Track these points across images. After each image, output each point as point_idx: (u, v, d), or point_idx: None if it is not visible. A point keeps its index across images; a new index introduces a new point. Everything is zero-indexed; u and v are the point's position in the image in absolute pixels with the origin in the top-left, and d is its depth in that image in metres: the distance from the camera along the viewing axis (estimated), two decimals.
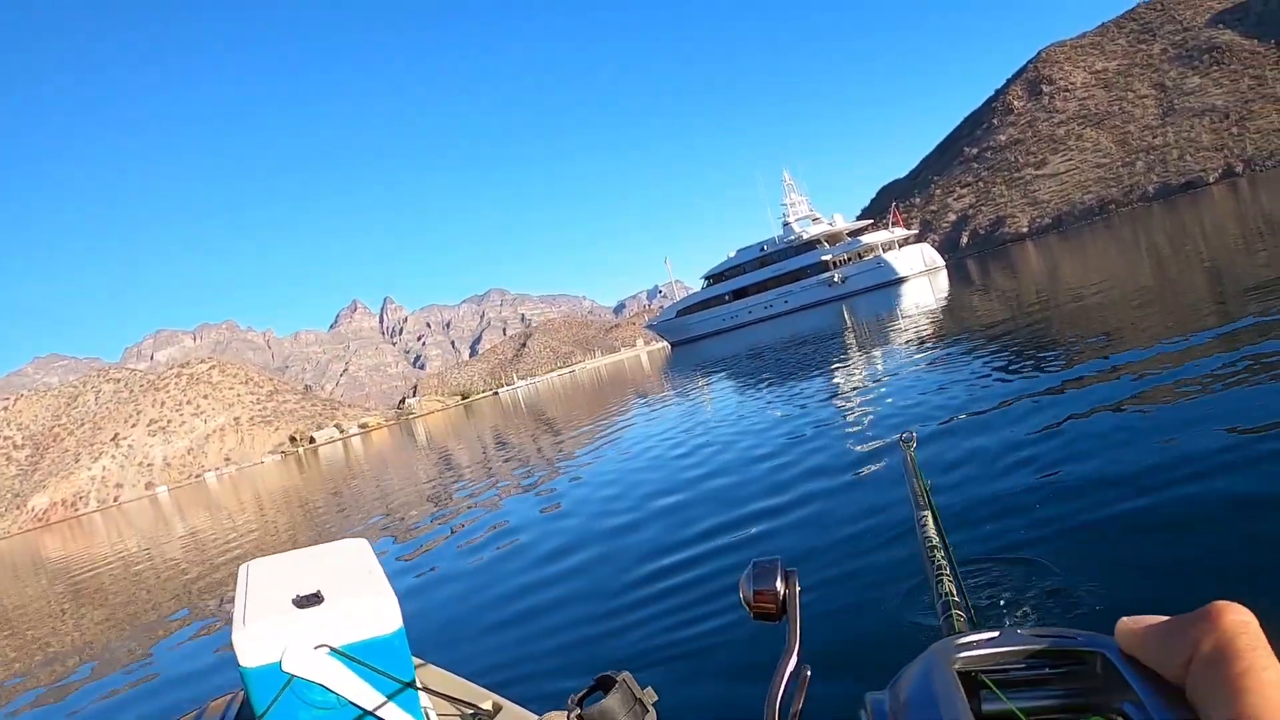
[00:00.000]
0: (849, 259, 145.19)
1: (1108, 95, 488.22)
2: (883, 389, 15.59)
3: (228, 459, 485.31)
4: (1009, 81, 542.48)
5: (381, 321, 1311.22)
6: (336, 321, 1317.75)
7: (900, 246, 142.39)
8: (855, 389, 16.56)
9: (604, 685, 1.97)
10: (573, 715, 1.91)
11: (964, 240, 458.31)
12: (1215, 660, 0.65)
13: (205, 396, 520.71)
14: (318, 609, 2.35)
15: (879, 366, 19.43)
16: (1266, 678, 0.61)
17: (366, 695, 2.31)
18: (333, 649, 2.30)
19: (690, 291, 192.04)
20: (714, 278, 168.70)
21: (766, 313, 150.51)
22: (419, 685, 2.44)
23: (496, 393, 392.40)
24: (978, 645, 0.83)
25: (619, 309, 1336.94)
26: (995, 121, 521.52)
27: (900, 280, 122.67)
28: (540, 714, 2.69)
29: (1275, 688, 0.60)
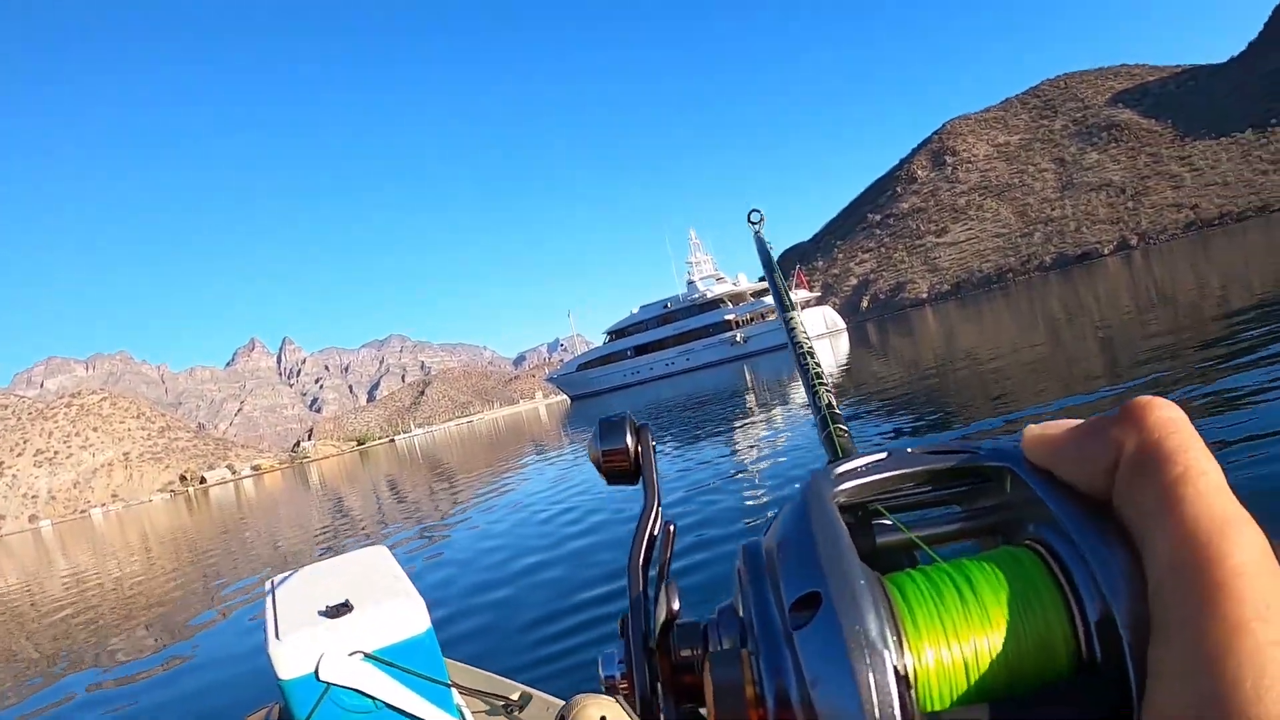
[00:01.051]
0: (751, 319, 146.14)
1: (1009, 168, 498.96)
2: (780, 447, 15.63)
3: (115, 495, 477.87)
4: (914, 151, 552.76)
5: (279, 362, 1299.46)
6: (234, 359, 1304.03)
7: (802, 308, 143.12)
8: (753, 446, 16.59)
9: None
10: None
11: (864, 304, 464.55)
12: (1144, 466, 0.53)
13: (95, 429, 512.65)
14: (348, 617, 2.36)
15: (779, 425, 19.47)
16: (1206, 483, 0.50)
17: (402, 696, 2.31)
18: (366, 654, 2.31)
19: (592, 346, 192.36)
20: (616, 333, 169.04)
21: (667, 370, 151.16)
22: (451, 683, 2.44)
23: (393, 440, 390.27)
24: (863, 471, 0.69)
25: (519, 361, 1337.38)
26: (899, 189, 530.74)
27: None
28: (567, 699, 2.64)
29: (1217, 493, 0.50)
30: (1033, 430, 0.64)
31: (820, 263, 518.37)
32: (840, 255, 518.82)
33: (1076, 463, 0.59)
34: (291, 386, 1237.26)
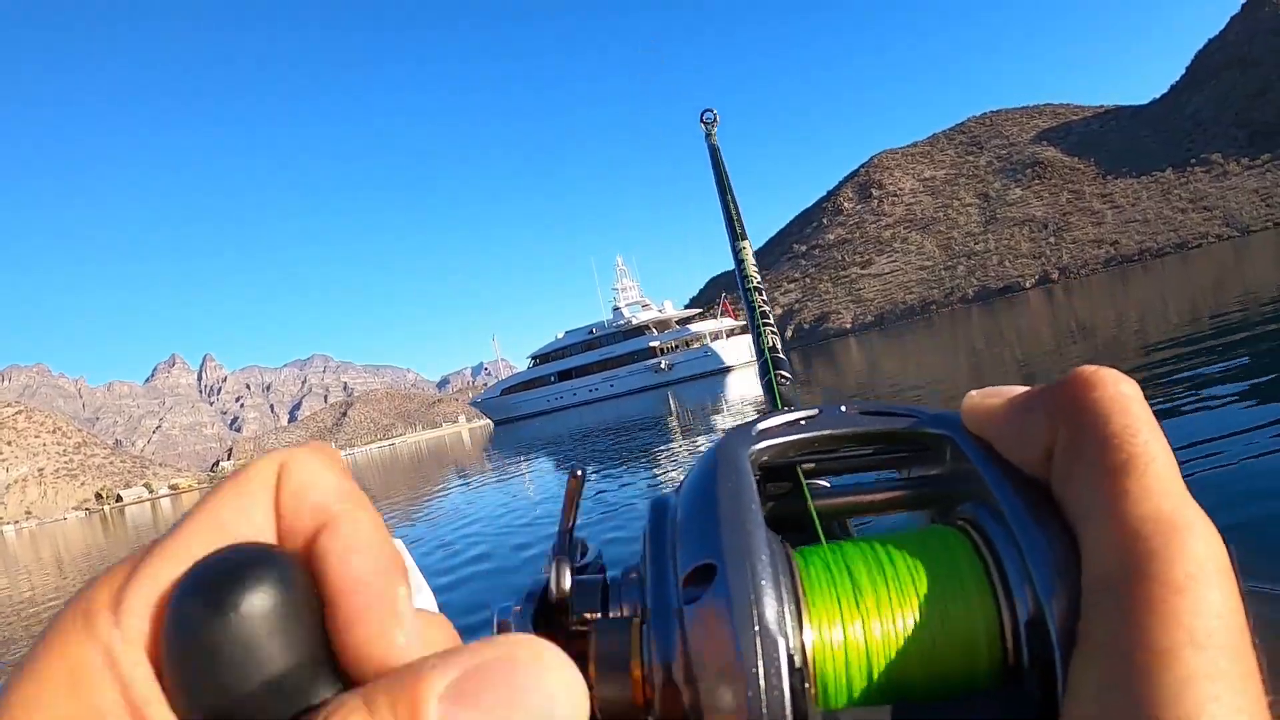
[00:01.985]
0: (676, 346, 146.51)
1: (934, 201, 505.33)
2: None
3: (29, 512, 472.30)
4: (840, 183, 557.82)
5: (200, 379, 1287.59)
6: (153, 375, 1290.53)
7: (728, 336, 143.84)
8: (678, 471, 16.52)
9: None
10: None
11: (789, 334, 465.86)
12: (1083, 449, 0.47)
13: (9, 443, 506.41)
14: None
15: (701, 450, 19.43)
16: (1153, 475, 0.44)
17: None
18: None
19: (516, 371, 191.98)
20: (540, 358, 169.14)
21: (591, 396, 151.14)
22: None
23: None
24: (788, 429, 0.63)
25: (443, 384, 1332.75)
26: (825, 221, 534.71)
27: (726, 369, 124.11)
28: None
29: (1164, 488, 0.44)
30: (974, 397, 0.58)
31: None
32: (765, 285, 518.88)
33: (1013, 438, 0.53)
34: (212, 405, 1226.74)
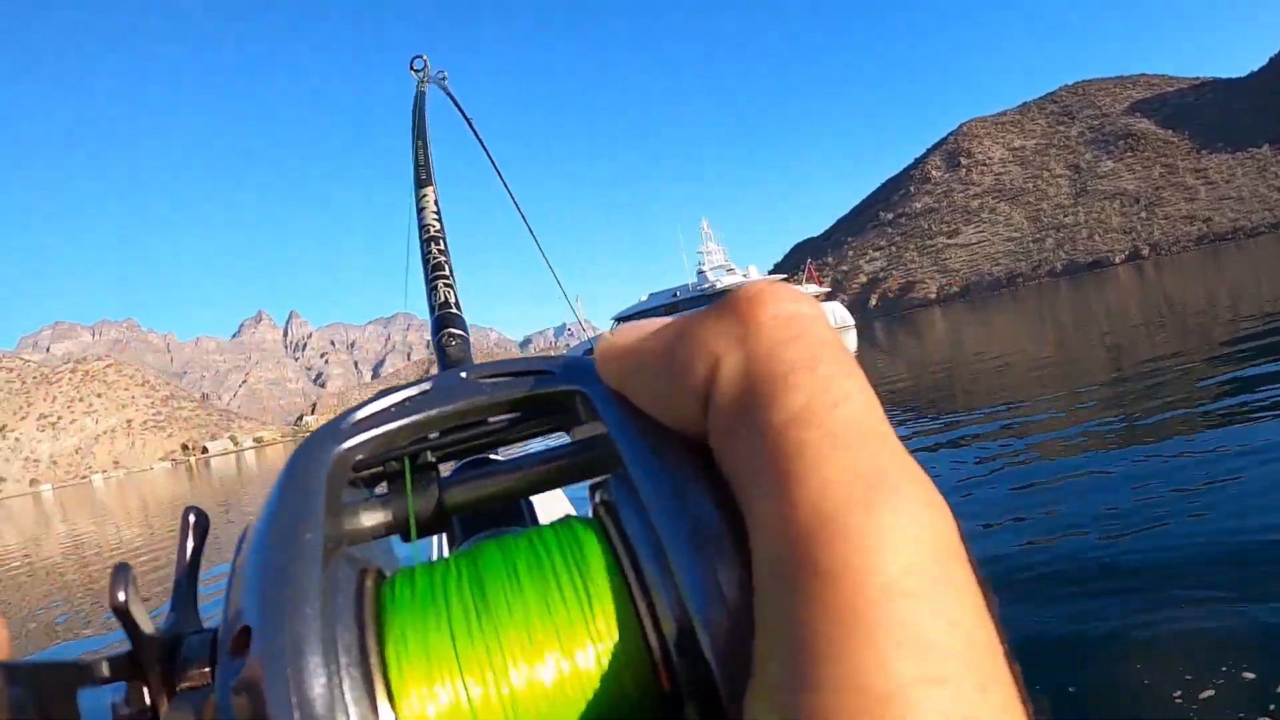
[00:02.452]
0: None
1: (1023, 172, 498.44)
2: None
3: (117, 462, 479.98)
4: (929, 151, 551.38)
5: (285, 335, 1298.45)
6: (240, 331, 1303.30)
7: None
8: None
9: None
10: None
11: (873, 302, 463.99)
12: (746, 398, 0.33)
13: (99, 395, 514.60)
14: None
15: None
16: (839, 423, 0.31)
17: None
18: None
19: (598, 332, 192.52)
20: (623, 319, 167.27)
21: None
22: None
23: None
24: (393, 413, 0.48)
25: (525, 343, 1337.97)
26: (912, 189, 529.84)
27: None
28: None
29: (856, 439, 0.30)
30: (608, 338, 0.44)
31: (830, 258, 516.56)
32: (850, 252, 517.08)
33: (655, 387, 0.39)
34: (297, 361, 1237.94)
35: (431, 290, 1.30)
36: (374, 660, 0.34)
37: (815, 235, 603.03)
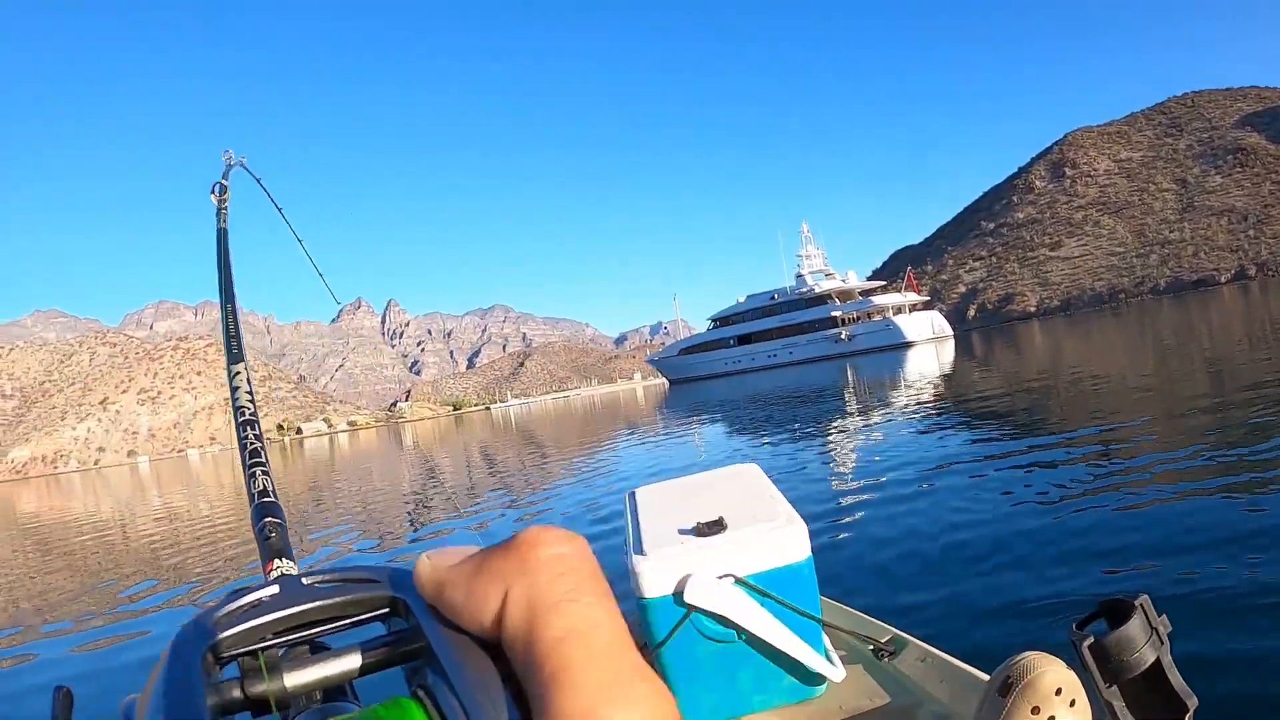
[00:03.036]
0: (858, 317, 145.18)
1: (1129, 185, 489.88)
2: (876, 449, 15.50)
3: (213, 438, 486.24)
4: (1033, 160, 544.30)
5: (383, 322, 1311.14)
6: (339, 316, 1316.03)
7: (910, 311, 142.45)
8: (849, 446, 16.47)
9: (1113, 611, 1.76)
10: (1084, 646, 1.75)
11: (971, 313, 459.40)
12: (527, 620, 0.46)
13: (199, 373, 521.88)
14: (720, 536, 2.18)
15: (875, 434, 19.29)
16: (592, 645, 0.44)
17: (771, 628, 2.14)
18: (737, 579, 2.15)
19: (694, 332, 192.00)
20: (720, 320, 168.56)
21: (769, 362, 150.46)
22: (822, 619, 2.26)
23: (489, 408, 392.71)
24: (250, 612, 0.57)
25: (620, 340, 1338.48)
26: (1015, 199, 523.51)
27: (907, 345, 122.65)
28: (946, 650, 2.48)
29: (601, 658, 0.43)
30: (425, 563, 0.55)
31: (930, 266, 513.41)
32: (950, 261, 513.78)
33: (464, 607, 0.50)
34: (393, 347, 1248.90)
35: (251, 478, 1.31)
36: None
37: (915, 243, 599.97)
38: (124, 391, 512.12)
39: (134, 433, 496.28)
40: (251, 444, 1.44)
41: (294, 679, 0.58)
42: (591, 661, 0.42)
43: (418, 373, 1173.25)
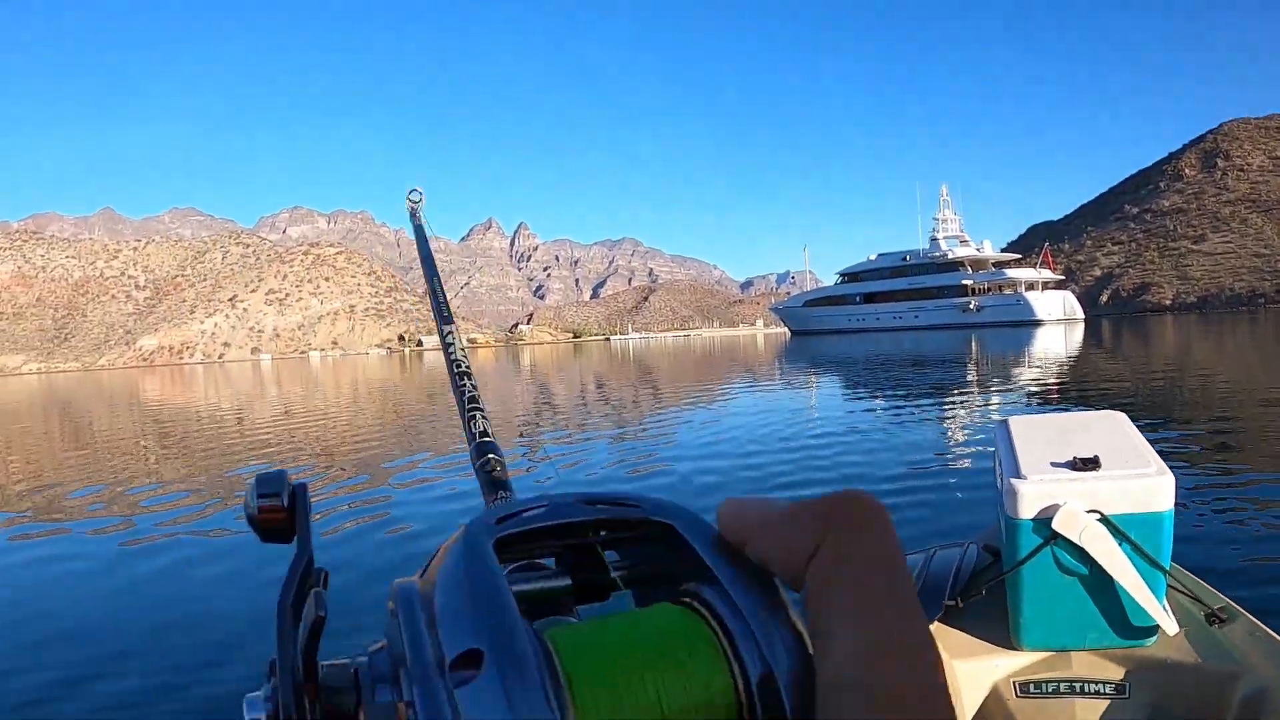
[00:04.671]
0: (989, 289, 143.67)
1: None
2: (984, 426, 15.21)
3: (335, 343, 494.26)
4: (1185, 147, 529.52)
5: (512, 245, 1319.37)
6: (469, 235, 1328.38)
7: (1043, 289, 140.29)
8: (961, 421, 16.19)
9: None
10: None
11: (1104, 298, 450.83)
12: (839, 564, 0.54)
13: (327, 279, 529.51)
14: (1095, 474, 2.25)
15: (992, 404, 18.96)
16: (897, 595, 0.53)
17: (1123, 571, 2.20)
18: (1103, 516, 2.20)
19: (822, 284, 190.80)
20: (849, 276, 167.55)
21: (894, 323, 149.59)
22: (1169, 572, 2.31)
23: (609, 338, 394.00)
24: (524, 519, 0.67)
25: (746, 285, 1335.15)
26: (1162, 185, 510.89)
27: (1036, 323, 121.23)
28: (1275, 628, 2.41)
29: (902, 608, 0.52)
30: (730, 507, 0.64)
31: (1066, 245, 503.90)
32: (1089, 242, 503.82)
33: (775, 547, 0.58)
34: (520, 270, 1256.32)
35: (470, 420, 1.42)
36: (561, 678, 0.51)
37: (1054, 219, 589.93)
38: (253, 291, 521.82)
39: (259, 331, 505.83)
40: (469, 391, 1.55)
41: (555, 583, 0.70)
42: (889, 611, 0.50)
43: (541, 297, 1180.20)
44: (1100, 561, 2.19)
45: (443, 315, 2.01)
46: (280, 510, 0.64)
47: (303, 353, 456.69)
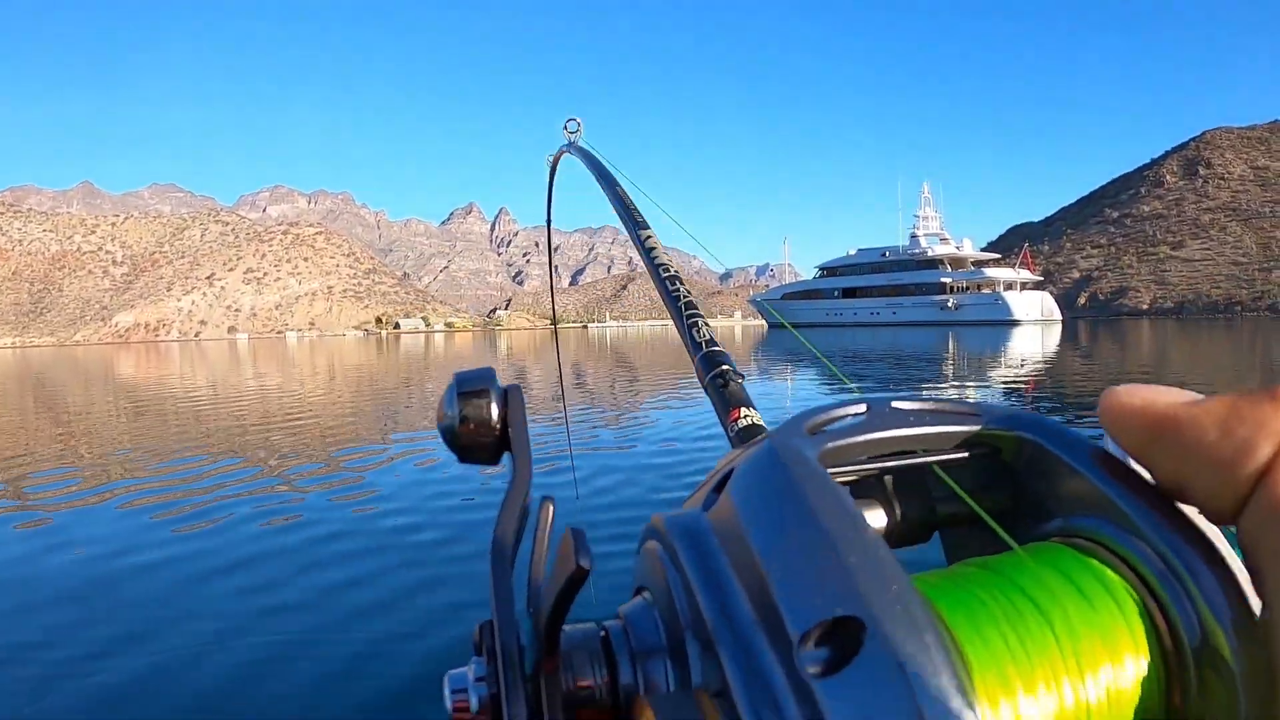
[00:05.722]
0: (968, 287, 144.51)
1: (1263, 194, 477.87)
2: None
3: (312, 324, 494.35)
4: (1167, 154, 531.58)
5: (492, 230, 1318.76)
6: (449, 218, 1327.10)
7: (1021, 289, 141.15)
8: None
9: None
10: None
11: (1082, 300, 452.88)
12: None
13: (305, 259, 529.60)
14: None
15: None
16: None
17: None
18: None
19: (801, 277, 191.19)
20: (828, 270, 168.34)
21: (871, 318, 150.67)
22: None
23: (586, 326, 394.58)
24: (846, 429, 0.48)
25: (726, 276, 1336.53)
26: (1143, 190, 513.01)
27: (1013, 322, 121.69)
28: None
29: None
30: (1121, 395, 0.43)
31: (1046, 247, 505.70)
32: (1068, 244, 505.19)
33: (1209, 452, 0.38)
34: (499, 255, 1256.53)
35: (692, 328, 1.29)
36: (956, 653, 0.33)
37: (1034, 220, 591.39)
38: (231, 269, 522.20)
39: (236, 310, 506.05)
40: (685, 297, 1.38)
41: (941, 507, 0.52)
42: None
43: (520, 283, 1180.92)
44: None
45: (636, 223, 1.79)
46: (489, 421, 0.53)
47: (279, 332, 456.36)
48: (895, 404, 0.50)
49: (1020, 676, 0.35)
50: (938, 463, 0.50)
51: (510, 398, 0.54)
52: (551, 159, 2.41)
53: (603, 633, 0.44)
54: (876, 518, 0.51)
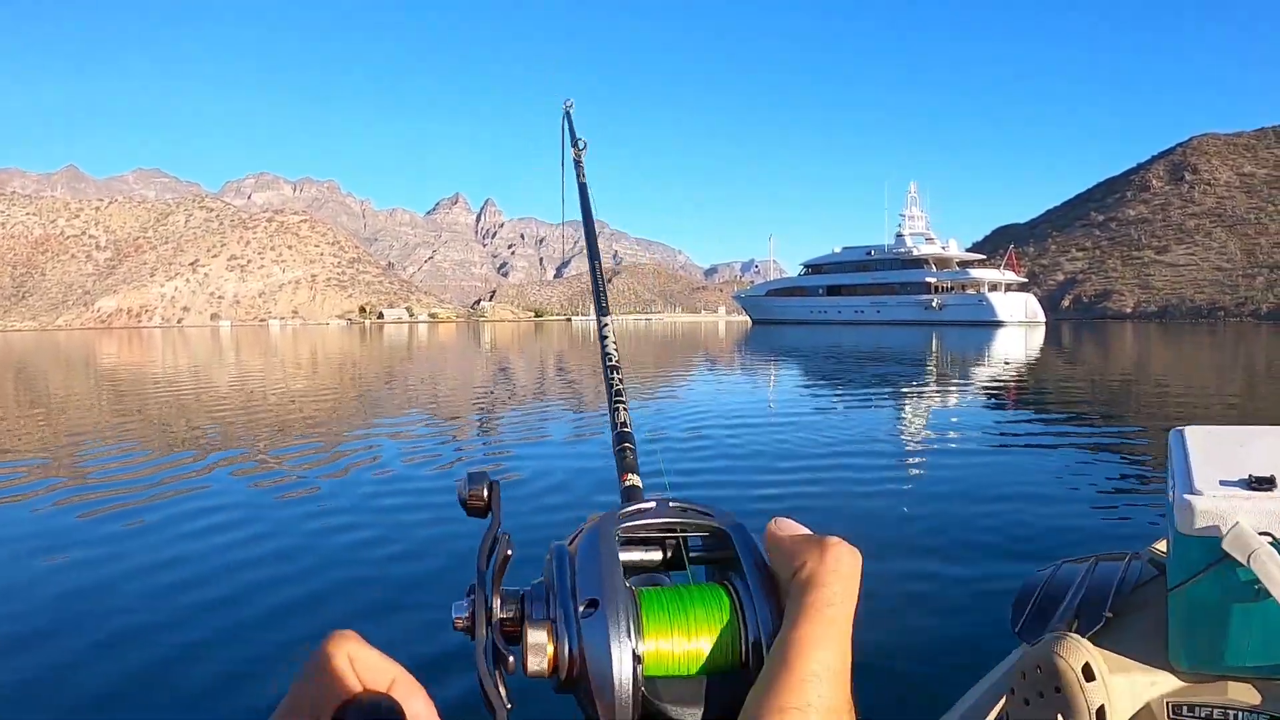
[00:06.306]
0: (952, 287, 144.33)
1: (1248, 201, 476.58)
2: (947, 425, 15.26)
3: (295, 312, 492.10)
4: (1153, 159, 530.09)
5: (478, 221, 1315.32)
6: (435, 209, 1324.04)
7: (1006, 290, 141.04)
8: (918, 417, 16.24)
9: None
10: None
11: (1066, 303, 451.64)
12: (807, 585, 0.76)
13: (290, 247, 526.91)
14: (1270, 494, 2.20)
15: (950, 403, 18.99)
16: (828, 619, 0.73)
17: None
18: (1276, 539, 2.14)
19: (785, 274, 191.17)
20: (813, 268, 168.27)
21: (855, 317, 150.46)
22: None
23: (569, 319, 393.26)
24: (639, 515, 0.94)
25: (710, 272, 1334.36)
26: (1129, 194, 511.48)
27: (998, 323, 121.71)
28: None
29: (828, 629, 0.73)
30: (774, 524, 0.87)
31: (1031, 249, 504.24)
32: (1053, 247, 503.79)
33: (782, 558, 0.81)
34: (484, 246, 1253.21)
35: (615, 411, 1.59)
36: (641, 619, 0.80)
37: (1020, 222, 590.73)
38: (214, 256, 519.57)
39: (219, 297, 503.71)
40: (616, 385, 1.70)
41: (650, 556, 0.93)
42: (822, 628, 0.72)
43: (505, 275, 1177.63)
44: (1269, 587, 2.12)
45: (600, 307, 2.01)
46: (483, 498, 0.88)
47: (262, 320, 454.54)
48: (672, 502, 0.96)
49: (673, 631, 0.80)
50: (682, 535, 0.93)
51: (493, 486, 0.90)
52: (573, 155, 2.58)
53: (522, 593, 0.83)
54: (654, 554, 0.93)
